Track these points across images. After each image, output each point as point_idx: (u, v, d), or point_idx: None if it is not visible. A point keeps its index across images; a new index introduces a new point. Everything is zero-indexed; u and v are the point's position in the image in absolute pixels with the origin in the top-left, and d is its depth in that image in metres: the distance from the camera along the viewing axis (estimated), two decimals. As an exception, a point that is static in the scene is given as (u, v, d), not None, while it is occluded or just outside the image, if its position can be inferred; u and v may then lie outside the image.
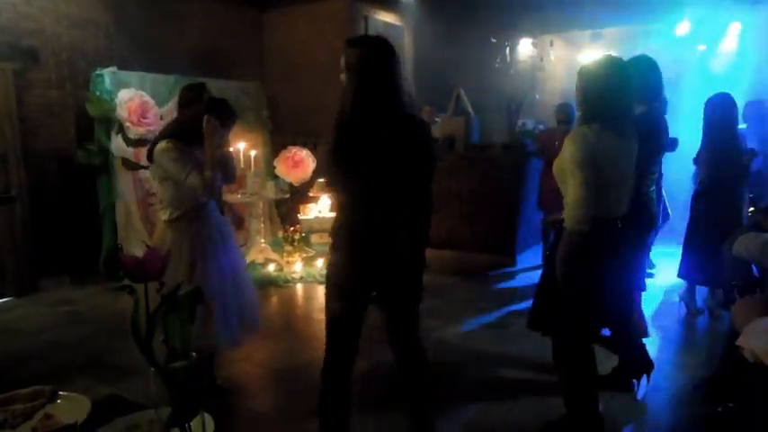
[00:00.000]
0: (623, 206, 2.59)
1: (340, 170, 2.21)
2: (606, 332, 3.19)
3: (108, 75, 5.55)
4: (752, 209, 2.67)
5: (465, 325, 4.53)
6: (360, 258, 2.24)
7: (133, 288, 1.11)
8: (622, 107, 2.50)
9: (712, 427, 2.89)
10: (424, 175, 2.20)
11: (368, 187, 2.18)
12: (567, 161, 2.47)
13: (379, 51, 2.19)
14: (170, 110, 6.13)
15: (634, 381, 3.28)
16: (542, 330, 2.80)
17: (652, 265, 5.88)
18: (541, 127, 7.95)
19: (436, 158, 2.24)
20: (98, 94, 5.50)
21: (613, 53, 2.72)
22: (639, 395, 3.26)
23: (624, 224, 2.59)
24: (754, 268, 2.71)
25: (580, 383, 2.72)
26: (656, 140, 3.05)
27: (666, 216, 5.36)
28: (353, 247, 2.24)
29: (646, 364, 3.31)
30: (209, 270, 3.00)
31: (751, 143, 5.99)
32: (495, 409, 3.18)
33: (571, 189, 2.45)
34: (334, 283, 2.32)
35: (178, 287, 1.10)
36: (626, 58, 2.73)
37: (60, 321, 4.74)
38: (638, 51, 3.26)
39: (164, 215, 3.02)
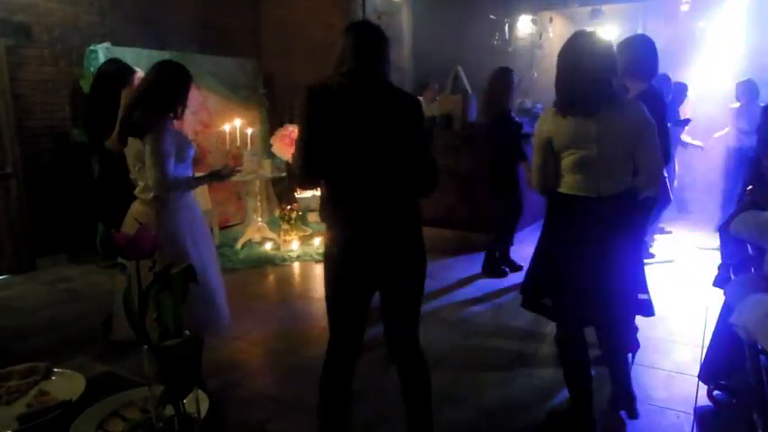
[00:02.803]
0: (609, 186, 2.46)
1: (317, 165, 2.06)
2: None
3: (102, 51, 5.49)
4: (750, 187, 2.65)
5: (461, 303, 4.55)
6: (360, 235, 2.07)
7: (125, 265, 1.10)
8: (574, 87, 2.41)
9: (705, 406, 2.92)
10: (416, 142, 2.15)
11: (361, 164, 2.05)
12: None
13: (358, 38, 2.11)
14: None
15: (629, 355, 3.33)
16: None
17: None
18: (540, 106, 7.89)
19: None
20: (92, 70, 5.43)
21: (613, 30, 2.69)
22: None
23: (616, 205, 2.48)
24: (749, 247, 2.71)
25: (568, 370, 2.72)
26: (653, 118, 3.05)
27: (667, 200, 5.31)
28: (350, 222, 2.08)
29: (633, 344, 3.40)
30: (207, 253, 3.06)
31: (741, 122, 6.04)
32: (493, 391, 3.22)
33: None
34: (333, 268, 2.15)
35: (170, 265, 1.09)
36: (626, 34, 2.70)
37: (57, 299, 4.76)
38: (638, 28, 3.26)
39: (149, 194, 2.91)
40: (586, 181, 2.47)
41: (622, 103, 2.46)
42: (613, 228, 2.47)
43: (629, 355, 3.41)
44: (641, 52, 3.17)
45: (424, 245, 2.21)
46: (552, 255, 2.60)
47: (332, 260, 2.14)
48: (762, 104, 6.26)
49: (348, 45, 2.09)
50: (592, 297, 2.52)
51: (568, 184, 2.52)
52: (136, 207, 2.99)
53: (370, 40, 2.09)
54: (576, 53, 2.42)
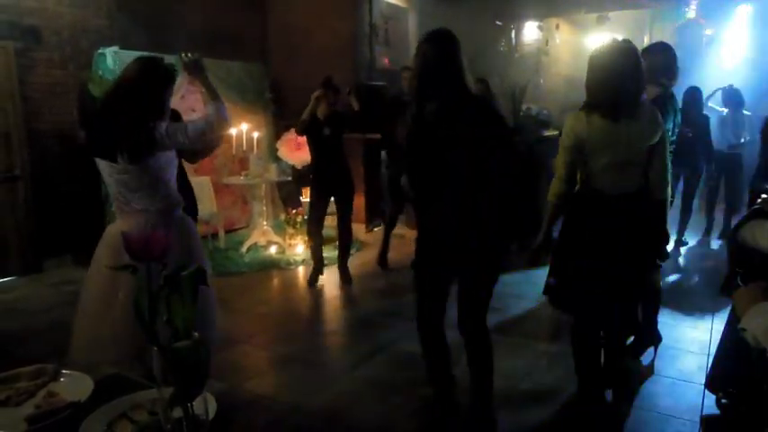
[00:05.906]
0: (631, 184, 2.68)
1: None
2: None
3: (110, 54, 5.51)
4: (764, 196, 2.63)
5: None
6: (441, 246, 2.52)
7: (136, 268, 1.10)
8: (615, 93, 2.54)
9: (712, 414, 2.90)
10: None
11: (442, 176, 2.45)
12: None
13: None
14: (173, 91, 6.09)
15: (651, 350, 3.51)
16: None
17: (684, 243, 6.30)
18: (545, 112, 7.86)
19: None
20: (100, 73, 5.47)
21: (620, 37, 2.74)
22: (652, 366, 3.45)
23: (636, 201, 2.67)
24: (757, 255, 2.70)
25: (578, 359, 2.86)
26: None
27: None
28: (435, 238, 2.54)
29: (656, 338, 3.55)
30: None
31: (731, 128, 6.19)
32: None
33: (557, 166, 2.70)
34: (419, 266, 2.64)
35: (180, 267, 1.10)
36: (633, 42, 2.74)
37: (63, 301, 4.75)
38: (644, 35, 3.30)
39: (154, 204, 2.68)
40: (617, 179, 2.64)
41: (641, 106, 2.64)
42: (633, 223, 2.66)
43: (652, 349, 3.53)
44: (658, 60, 3.29)
45: (497, 243, 2.53)
46: (581, 251, 2.70)
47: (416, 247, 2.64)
48: (746, 112, 6.39)
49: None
50: (614, 287, 2.68)
51: (600, 183, 2.65)
52: (116, 227, 2.72)
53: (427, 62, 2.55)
54: (618, 61, 2.56)
